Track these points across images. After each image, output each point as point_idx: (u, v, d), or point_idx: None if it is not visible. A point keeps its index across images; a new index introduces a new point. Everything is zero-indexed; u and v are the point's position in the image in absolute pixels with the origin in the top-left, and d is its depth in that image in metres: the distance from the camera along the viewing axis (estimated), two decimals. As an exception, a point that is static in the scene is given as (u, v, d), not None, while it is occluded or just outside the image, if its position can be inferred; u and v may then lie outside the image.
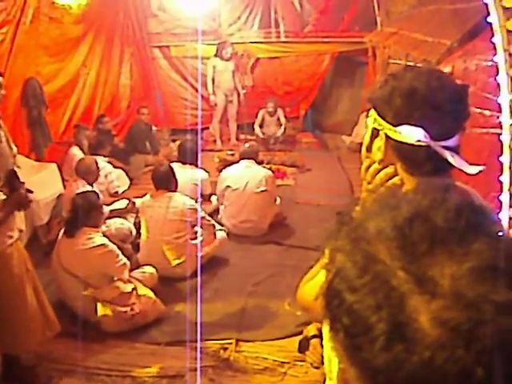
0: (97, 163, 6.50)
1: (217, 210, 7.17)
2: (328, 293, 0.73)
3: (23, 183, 3.96)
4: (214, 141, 11.11)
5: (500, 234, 0.69)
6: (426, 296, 0.63)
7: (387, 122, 1.58)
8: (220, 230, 6.39)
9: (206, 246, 6.01)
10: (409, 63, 5.74)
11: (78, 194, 5.21)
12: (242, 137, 11.32)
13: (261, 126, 11.07)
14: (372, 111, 1.65)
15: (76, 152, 7.69)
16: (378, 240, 0.69)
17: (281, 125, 11.05)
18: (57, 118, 8.30)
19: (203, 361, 4.48)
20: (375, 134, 1.65)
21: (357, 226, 0.74)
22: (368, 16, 9.83)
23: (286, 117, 11.14)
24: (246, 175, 6.79)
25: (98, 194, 5.44)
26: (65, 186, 6.89)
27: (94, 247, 4.79)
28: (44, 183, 6.57)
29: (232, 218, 6.82)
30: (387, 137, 1.60)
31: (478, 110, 2.95)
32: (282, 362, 4.47)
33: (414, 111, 1.53)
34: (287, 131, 11.11)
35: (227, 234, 6.48)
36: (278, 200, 7.24)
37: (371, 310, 0.65)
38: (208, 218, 6.15)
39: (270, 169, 7.80)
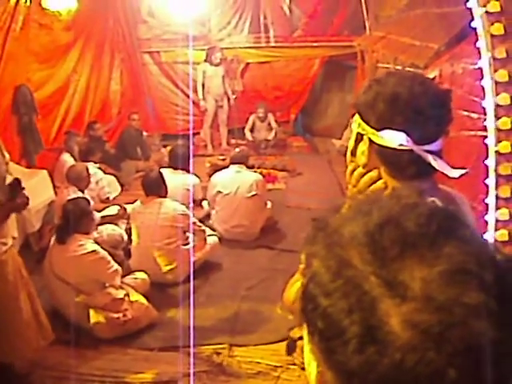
0: (88, 170, 6.50)
1: (208, 215, 7.18)
2: (303, 297, 0.74)
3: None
4: (205, 146, 11.13)
5: (471, 237, 0.71)
6: (396, 299, 0.64)
7: (371, 126, 1.61)
8: (211, 235, 6.40)
9: (198, 252, 6.02)
10: (397, 67, 5.78)
11: (69, 200, 5.21)
12: (232, 141, 11.34)
13: (251, 131, 11.09)
14: (356, 116, 1.67)
15: (67, 159, 7.69)
16: (351, 245, 0.71)
17: (272, 129, 11.08)
18: (47, 124, 8.30)
19: (196, 366, 4.48)
20: (359, 138, 1.68)
21: (332, 231, 0.75)
22: (357, 20, 9.86)
23: (276, 121, 11.19)
24: (236, 180, 6.80)
25: (88, 200, 5.44)
26: (56, 193, 6.88)
27: (85, 254, 4.79)
28: (35, 190, 6.54)
29: (223, 222, 6.83)
30: (371, 141, 1.62)
31: (466, 113, 2.98)
32: (276, 366, 4.48)
33: (396, 116, 1.55)
34: (278, 135, 11.14)
35: (219, 239, 6.48)
36: (269, 204, 7.24)
37: (344, 314, 0.66)
38: (199, 223, 6.15)
39: (260, 173, 7.81)
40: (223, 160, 9.15)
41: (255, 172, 7.52)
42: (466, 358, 0.61)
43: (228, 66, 11.32)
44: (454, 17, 4.35)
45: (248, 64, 11.76)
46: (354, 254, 0.70)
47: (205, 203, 7.30)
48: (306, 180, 9.28)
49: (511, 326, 0.64)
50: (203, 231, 6.17)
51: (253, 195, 6.77)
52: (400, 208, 0.73)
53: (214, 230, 6.68)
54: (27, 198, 4.00)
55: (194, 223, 5.96)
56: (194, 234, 5.99)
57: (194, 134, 11.14)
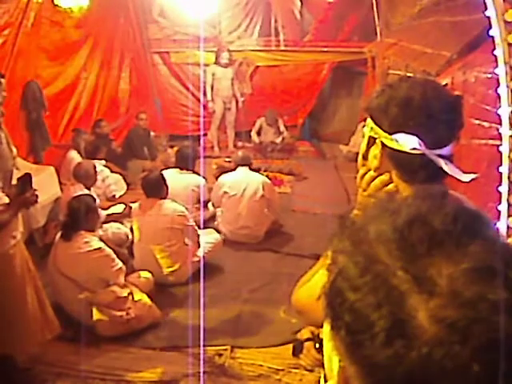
0: (95, 167, 6.51)
1: (213, 217, 7.18)
2: (330, 292, 0.76)
3: (32, 186, 4.02)
4: (212, 147, 11.14)
5: (495, 237, 0.73)
6: (424, 295, 0.66)
7: (383, 130, 1.61)
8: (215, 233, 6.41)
9: (199, 251, 6.00)
10: (408, 74, 5.77)
11: (74, 197, 5.22)
12: (239, 144, 11.37)
13: (258, 134, 11.10)
14: (369, 120, 1.68)
15: (74, 156, 7.71)
16: (379, 242, 0.72)
17: (280, 133, 11.08)
18: (56, 121, 8.33)
19: (198, 367, 4.48)
20: (371, 142, 1.68)
21: (358, 228, 0.77)
22: (368, 26, 9.87)
23: (284, 125, 11.19)
24: (243, 182, 6.81)
25: (94, 197, 5.45)
26: (62, 190, 6.89)
27: (90, 251, 4.80)
28: (41, 186, 6.51)
29: (229, 224, 6.84)
30: (383, 145, 1.63)
31: (477, 122, 2.98)
32: (277, 369, 4.48)
33: (409, 120, 1.56)
34: (285, 139, 11.15)
35: (224, 241, 6.49)
36: (276, 208, 7.24)
37: (372, 308, 0.67)
38: (195, 227, 6.07)
39: (266, 176, 7.82)
40: (230, 162, 9.15)
41: (263, 175, 7.52)
42: (489, 352, 0.63)
43: (237, 68, 11.37)
44: (466, 25, 4.36)
45: (257, 67, 11.79)
46: (382, 250, 0.71)
47: (210, 205, 7.31)
48: (311, 184, 9.29)
49: None
50: (195, 231, 6.11)
51: (259, 198, 6.77)
52: (427, 207, 0.75)
53: (219, 231, 6.67)
54: (36, 194, 4.03)
55: (192, 226, 5.93)
56: (189, 237, 5.97)
57: (202, 136, 11.18)
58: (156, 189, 5.85)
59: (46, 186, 6.75)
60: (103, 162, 7.61)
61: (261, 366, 4.55)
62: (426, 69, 5.09)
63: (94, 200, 5.27)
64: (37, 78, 7.65)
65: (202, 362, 4.42)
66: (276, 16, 11.60)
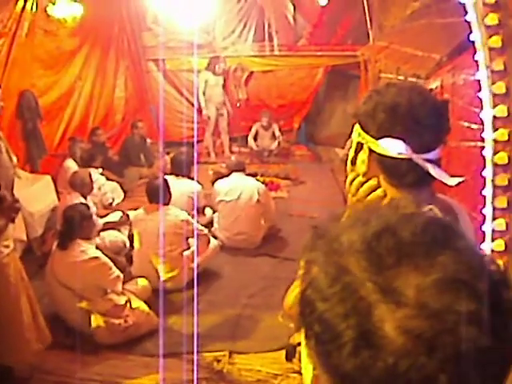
0: (90, 176, 6.53)
1: (211, 223, 7.19)
2: (302, 302, 0.77)
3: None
4: (208, 153, 11.16)
5: (466, 248, 0.73)
6: (391, 305, 0.66)
7: (371, 135, 1.63)
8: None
9: (199, 256, 6.02)
10: (399, 77, 5.80)
11: (69, 206, 5.24)
12: (236, 149, 11.39)
13: (255, 139, 11.12)
14: (356, 126, 1.70)
15: (70, 165, 7.72)
16: (349, 253, 0.73)
17: (275, 138, 11.10)
18: (51, 130, 8.35)
19: (197, 373, 4.49)
20: (359, 147, 1.71)
21: (331, 239, 0.77)
22: (361, 29, 9.88)
23: (279, 130, 11.20)
24: (238, 187, 6.82)
25: (88, 205, 5.46)
26: (59, 198, 6.90)
27: (87, 260, 4.81)
28: (38, 195, 6.59)
29: (226, 230, 6.84)
30: (371, 150, 1.65)
31: (466, 124, 3.00)
32: (275, 374, 4.48)
33: (396, 125, 1.58)
34: (281, 144, 11.16)
35: (221, 247, 6.50)
36: (272, 213, 7.25)
37: (340, 318, 0.68)
38: (201, 227, 6.15)
39: (263, 181, 7.85)
40: (226, 168, 9.17)
41: (258, 180, 7.53)
42: (456, 363, 0.63)
43: (232, 74, 11.40)
44: (457, 27, 4.37)
45: (252, 72, 11.84)
46: (351, 261, 0.72)
47: (207, 210, 7.32)
48: (308, 188, 9.31)
49: (501, 334, 0.67)
50: (206, 235, 6.17)
51: (255, 203, 6.79)
52: (397, 218, 0.76)
53: (216, 237, 6.68)
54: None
55: (197, 228, 5.96)
56: (197, 238, 6.00)
57: (197, 142, 11.19)
58: (159, 195, 5.85)
59: (43, 195, 6.77)
60: (100, 170, 7.63)
61: (259, 371, 4.55)
62: (416, 72, 5.11)
63: (89, 208, 5.28)
64: (32, 87, 7.67)
65: (195, 367, 4.41)
66: (269, 21, 11.62)
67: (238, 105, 11.32)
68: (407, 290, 0.67)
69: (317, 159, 11.30)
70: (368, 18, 9.24)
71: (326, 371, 0.72)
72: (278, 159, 10.97)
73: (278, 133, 11.08)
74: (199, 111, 11.22)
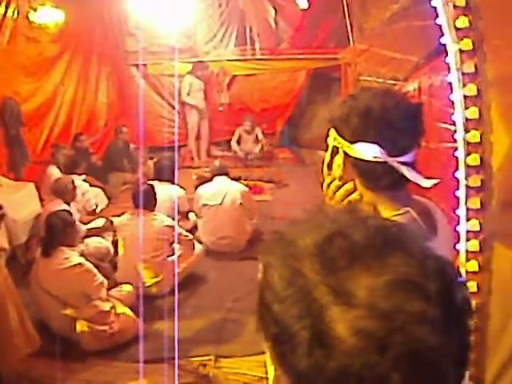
0: (73, 182, 6.51)
1: (195, 227, 7.19)
2: (259, 304, 0.81)
3: None
4: (192, 158, 11.17)
5: (419, 250, 0.75)
6: (343, 307, 0.68)
7: (346, 139, 1.66)
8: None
9: (184, 262, 6.04)
10: (378, 80, 5.84)
11: (51, 213, 5.23)
12: (219, 153, 11.39)
13: (238, 143, 11.14)
14: (332, 130, 1.72)
15: (53, 171, 7.68)
16: (303, 256, 0.75)
17: (259, 142, 11.12)
18: (34, 137, 8.30)
19: (183, 378, 4.49)
20: (335, 151, 1.73)
21: (287, 242, 0.80)
22: (342, 32, 9.90)
23: (262, 133, 11.23)
24: (222, 192, 6.84)
25: (71, 212, 5.45)
26: (43, 205, 6.88)
27: (70, 266, 4.80)
28: (22, 202, 6.56)
29: (210, 234, 6.85)
30: (346, 154, 1.67)
31: (444, 125, 3.03)
32: (261, 377, 4.47)
33: (370, 129, 1.61)
34: (264, 147, 11.19)
35: (206, 251, 6.51)
36: (256, 216, 7.27)
37: (294, 320, 0.70)
38: (185, 233, 6.16)
39: (247, 185, 7.85)
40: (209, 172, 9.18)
41: (241, 183, 7.54)
42: (408, 362, 0.65)
43: (214, 78, 11.42)
44: (434, 30, 4.41)
45: (234, 76, 11.85)
46: (305, 264, 0.74)
47: (191, 215, 7.32)
48: (292, 191, 9.32)
49: (451, 333, 0.69)
50: (190, 240, 6.18)
51: (238, 207, 6.80)
52: (351, 221, 0.78)
53: (200, 242, 6.69)
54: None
55: (181, 233, 5.97)
56: (180, 243, 6.01)
57: (181, 146, 11.21)
58: (145, 200, 5.85)
59: (27, 202, 6.74)
60: (83, 176, 7.61)
61: (245, 374, 4.55)
62: (395, 74, 5.15)
63: (71, 215, 5.27)
64: (14, 94, 7.63)
65: (176, 372, 4.42)
66: (251, 25, 11.66)
67: (220, 109, 11.33)
68: (359, 291, 0.69)
69: (300, 162, 11.33)
70: (348, 21, 9.27)
71: (284, 371, 0.74)
72: (261, 162, 11.01)
73: (261, 136, 11.12)
74: (182, 115, 11.25)
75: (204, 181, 7.57)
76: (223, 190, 6.85)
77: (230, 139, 11.20)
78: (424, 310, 0.67)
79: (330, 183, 1.78)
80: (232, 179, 7.23)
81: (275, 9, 11.62)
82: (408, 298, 0.68)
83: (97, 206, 7.72)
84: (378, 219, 0.81)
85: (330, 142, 1.75)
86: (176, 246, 5.98)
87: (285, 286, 0.74)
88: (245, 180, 9.06)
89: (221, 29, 11.72)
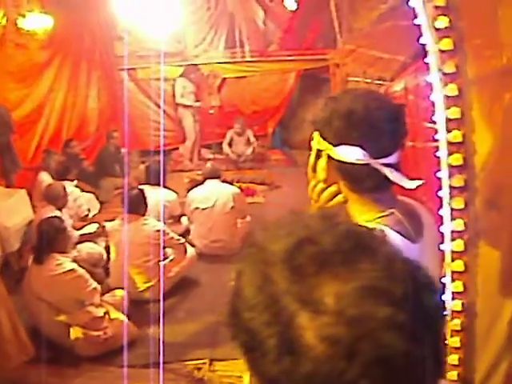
0: (65, 188, 6.50)
1: (187, 231, 7.19)
2: (230, 311, 0.80)
3: None
4: (183, 161, 11.15)
5: (389, 255, 0.75)
6: (311, 314, 0.68)
7: (329, 142, 1.66)
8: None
9: (177, 266, 6.04)
10: (366, 81, 5.85)
11: (42, 220, 5.23)
12: (210, 156, 11.39)
13: (230, 146, 11.13)
14: (315, 133, 1.73)
15: (45, 178, 7.65)
16: (274, 262, 0.75)
17: (250, 144, 11.11)
18: (25, 143, 8.27)
19: (177, 382, 4.50)
20: (319, 154, 1.73)
21: (258, 249, 0.80)
22: (331, 33, 9.93)
23: (254, 135, 11.22)
24: (213, 195, 6.83)
25: (62, 218, 5.44)
26: (35, 212, 6.86)
27: (63, 273, 4.80)
28: (14, 209, 6.54)
29: (202, 238, 6.85)
30: (329, 157, 1.68)
31: (430, 125, 3.04)
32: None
33: (352, 131, 1.61)
34: (256, 149, 11.18)
35: (198, 255, 6.51)
36: (248, 218, 7.27)
37: (263, 327, 0.71)
38: (177, 237, 6.16)
39: (239, 187, 7.85)
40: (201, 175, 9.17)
41: (233, 186, 7.54)
42: (377, 368, 0.65)
43: (205, 81, 11.42)
44: (420, 29, 4.43)
45: (225, 79, 11.84)
46: (275, 271, 0.74)
47: (184, 219, 7.32)
48: (284, 193, 9.29)
49: (421, 338, 0.69)
50: (182, 244, 6.18)
51: (230, 209, 6.81)
52: (320, 227, 0.78)
53: (193, 245, 6.69)
54: None
55: (172, 238, 5.97)
56: (172, 247, 6.02)
57: (173, 150, 11.20)
58: (136, 205, 5.86)
59: (19, 209, 6.71)
60: (74, 182, 7.60)
61: (240, 377, 4.54)
62: (382, 74, 5.16)
63: (63, 221, 5.26)
64: (4, 101, 7.60)
65: (161, 376, 4.41)
66: (240, 27, 11.67)
67: (211, 111, 11.34)
68: (327, 298, 0.69)
69: (292, 163, 11.30)
70: (336, 22, 9.28)
71: (256, 377, 0.74)
72: (253, 165, 10.98)
73: (252, 138, 11.10)
74: (173, 118, 11.26)
75: (196, 184, 7.57)
76: (215, 193, 6.85)
77: (222, 142, 11.18)
78: (392, 315, 0.67)
79: (315, 186, 1.78)
80: (224, 182, 7.23)
81: (264, 11, 11.65)
82: (375, 303, 0.68)
83: (89, 211, 7.70)
84: (349, 225, 0.80)
85: (314, 144, 1.75)
86: (167, 250, 5.98)
87: (254, 293, 0.75)
88: (237, 182, 9.04)
89: (210, 32, 11.74)
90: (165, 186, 6.98)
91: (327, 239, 0.75)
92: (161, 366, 4.55)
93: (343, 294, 0.69)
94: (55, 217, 5.45)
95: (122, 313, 5.14)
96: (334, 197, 1.72)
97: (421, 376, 0.69)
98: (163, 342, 4.76)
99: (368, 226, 0.85)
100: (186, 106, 11.12)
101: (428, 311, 0.72)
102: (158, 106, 11.64)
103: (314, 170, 1.78)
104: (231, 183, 7.90)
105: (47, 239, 4.89)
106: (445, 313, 0.70)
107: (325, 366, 0.66)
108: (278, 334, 0.69)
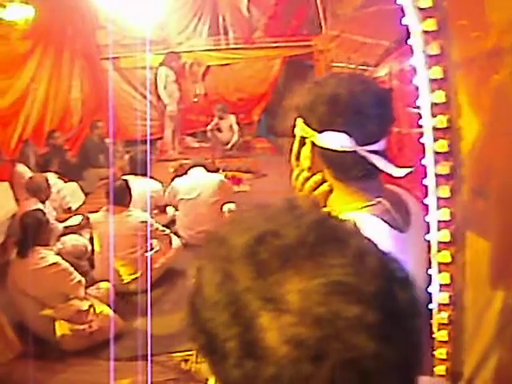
0: (47, 180, 6.43)
1: (173, 221, 7.13)
2: (189, 311, 0.74)
3: None
4: (167, 150, 11.09)
5: (359, 248, 0.69)
6: (274, 313, 0.63)
7: (312, 129, 1.60)
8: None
9: (162, 257, 5.99)
10: (350, 66, 5.79)
11: (24, 213, 5.18)
12: (196, 145, 11.34)
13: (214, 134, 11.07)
14: (299, 119, 1.67)
15: (22, 170, 7.52)
16: (234, 258, 0.70)
17: (234, 132, 11.06)
18: (7, 135, 8.18)
19: (165, 374, 4.47)
20: (303, 142, 1.67)
21: (219, 244, 0.74)
22: (316, 19, 9.89)
23: (239, 123, 11.17)
24: (199, 184, 6.78)
25: (44, 211, 5.38)
26: (19, 205, 6.78)
27: (47, 266, 4.76)
28: (-3, 203, 6.49)
29: (188, 228, 6.79)
30: (313, 144, 1.61)
31: (416, 110, 2.99)
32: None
33: (337, 117, 1.54)
34: (242, 138, 11.13)
35: (184, 245, 6.46)
36: (234, 207, 7.21)
37: (223, 328, 0.66)
38: (162, 228, 6.11)
39: (225, 176, 7.81)
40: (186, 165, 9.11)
41: (219, 174, 7.49)
42: (345, 371, 0.61)
43: (189, 69, 11.34)
44: (404, 10, 4.38)
45: (209, 67, 11.77)
46: (235, 267, 0.69)
47: (169, 209, 7.26)
48: (271, 181, 9.25)
49: (393, 337, 0.64)
50: (168, 235, 6.12)
51: (216, 199, 6.75)
52: (284, 219, 0.73)
53: (179, 236, 6.64)
54: None
55: (157, 229, 5.92)
56: (157, 239, 5.97)
57: (158, 139, 11.13)
58: (119, 197, 5.78)
59: (2, 202, 6.65)
60: (57, 174, 7.52)
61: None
62: (366, 60, 5.11)
63: (45, 214, 5.20)
64: (-15, 93, 7.54)
65: (149, 369, 4.37)
66: (224, 14, 11.61)
67: (195, 100, 11.27)
68: (290, 295, 0.64)
69: (278, 151, 11.26)
70: (321, 8, 9.23)
71: (219, 382, 0.70)
72: (239, 153, 10.92)
73: (235, 126, 11.04)
74: (157, 107, 11.19)
75: (180, 173, 7.50)
76: (200, 183, 6.79)
77: (206, 130, 11.12)
78: (361, 314, 0.62)
79: (299, 175, 1.72)
80: (209, 171, 7.17)
81: (247, -3, 11.57)
82: (343, 301, 0.63)
83: (72, 203, 7.62)
84: (317, 215, 0.74)
85: (297, 132, 1.69)
86: (152, 241, 5.93)
87: (214, 291, 0.69)
88: (223, 171, 8.99)
89: (193, 19, 11.66)
90: (150, 177, 6.92)
91: (292, 232, 0.69)
92: (149, 358, 4.52)
93: (308, 291, 0.64)
94: (37, 209, 5.39)
95: (108, 305, 5.09)
96: (319, 186, 1.66)
97: (392, 379, 0.64)
98: (152, 335, 4.73)
99: (338, 216, 0.78)
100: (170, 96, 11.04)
101: (402, 308, 0.67)
102: (142, 95, 11.57)
103: (298, 158, 1.72)
104: (216, 171, 7.84)
105: (30, 232, 4.84)
106: (422, 309, 0.64)
107: (289, 370, 0.61)
108: (238, 335, 0.65)
